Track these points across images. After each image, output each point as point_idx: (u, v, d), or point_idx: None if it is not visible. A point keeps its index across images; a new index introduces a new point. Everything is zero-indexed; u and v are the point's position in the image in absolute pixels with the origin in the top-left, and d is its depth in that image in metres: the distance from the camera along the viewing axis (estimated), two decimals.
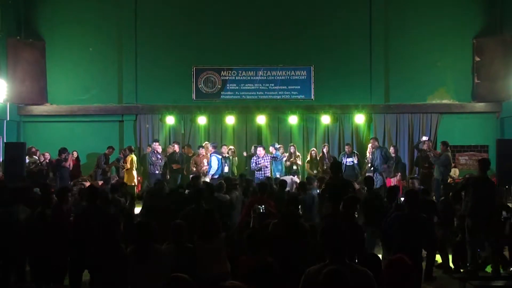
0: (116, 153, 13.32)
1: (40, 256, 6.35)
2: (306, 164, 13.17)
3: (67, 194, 7.18)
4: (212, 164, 12.08)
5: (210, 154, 12.32)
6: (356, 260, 4.82)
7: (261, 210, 6.68)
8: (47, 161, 12.71)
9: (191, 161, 12.79)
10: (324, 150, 13.13)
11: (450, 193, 8.40)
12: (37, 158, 12.58)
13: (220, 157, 12.20)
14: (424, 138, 13.11)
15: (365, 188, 8.66)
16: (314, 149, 13.40)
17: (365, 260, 4.14)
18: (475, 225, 7.35)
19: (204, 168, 12.38)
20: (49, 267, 6.35)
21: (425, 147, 12.44)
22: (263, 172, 12.17)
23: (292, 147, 13.12)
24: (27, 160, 12.35)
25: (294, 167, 12.86)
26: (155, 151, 12.64)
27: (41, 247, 6.26)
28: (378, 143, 12.74)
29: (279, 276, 3.63)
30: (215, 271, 5.16)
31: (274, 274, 3.37)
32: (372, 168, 12.28)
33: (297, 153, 13.14)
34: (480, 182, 7.52)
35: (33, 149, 12.75)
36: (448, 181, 11.33)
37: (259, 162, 12.26)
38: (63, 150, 12.49)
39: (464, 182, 8.04)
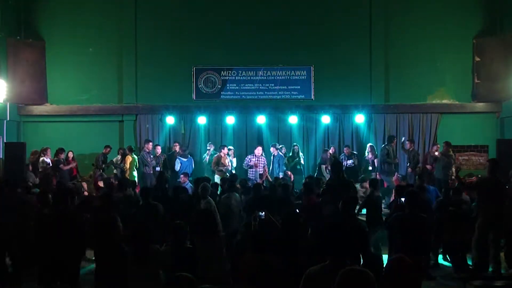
0: (114, 152, 13.31)
1: (43, 256, 6.33)
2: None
3: (66, 194, 7.14)
4: (175, 166, 12.68)
5: (177, 157, 12.87)
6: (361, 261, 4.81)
7: (261, 217, 6.56)
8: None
9: (213, 160, 12.74)
10: (345, 151, 13.31)
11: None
12: (48, 161, 12.47)
13: (184, 160, 12.80)
14: (403, 138, 13.39)
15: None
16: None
17: (367, 260, 4.13)
18: (485, 226, 7.36)
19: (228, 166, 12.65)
20: (56, 268, 6.28)
21: (408, 146, 12.64)
22: (254, 171, 12.47)
23: (296, 147, 13.33)
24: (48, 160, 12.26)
25: (298, 167, 13.01)
26: (148, 152, 12.71)
27: (42, 247, 6.24)
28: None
29: (282, 276, 3.58)
30: (215, 271, 5.15)
31: (276, 273, 3.32)
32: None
33: (301, 154, 13.39)
34: (491, 183, 7.53)
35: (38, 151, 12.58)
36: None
37: (250, 161, 12.57)
38: (60, 151, 12.44)
39: (479, 182, 8.03)
